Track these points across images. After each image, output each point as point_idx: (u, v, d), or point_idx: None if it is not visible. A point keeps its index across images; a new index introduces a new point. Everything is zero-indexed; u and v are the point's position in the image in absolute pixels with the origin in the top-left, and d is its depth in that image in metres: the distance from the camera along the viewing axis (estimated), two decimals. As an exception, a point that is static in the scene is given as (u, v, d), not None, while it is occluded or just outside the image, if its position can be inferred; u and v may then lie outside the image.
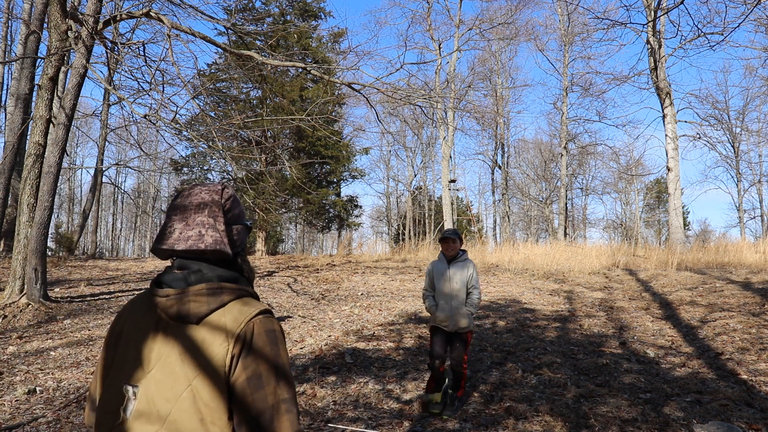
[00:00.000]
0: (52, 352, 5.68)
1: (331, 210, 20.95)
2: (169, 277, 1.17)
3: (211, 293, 1.14)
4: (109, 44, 9.67)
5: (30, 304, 7.37)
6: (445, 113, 20.21)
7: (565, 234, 24.26)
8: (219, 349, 1.09)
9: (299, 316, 7.55)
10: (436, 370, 4.24)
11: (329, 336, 6.47)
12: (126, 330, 1.21)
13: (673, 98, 16.38)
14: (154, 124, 8.44)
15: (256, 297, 1.23)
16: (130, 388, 1.14)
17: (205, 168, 20.68)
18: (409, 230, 29.94)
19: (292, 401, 1.11)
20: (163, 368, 1.12)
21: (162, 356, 1.13)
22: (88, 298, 8.43)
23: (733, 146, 28.97)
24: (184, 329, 1.13)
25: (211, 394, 1.08)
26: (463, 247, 4.56)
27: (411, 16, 22.52)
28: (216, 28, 25.46)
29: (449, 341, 4.27)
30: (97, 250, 21.24)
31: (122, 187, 37.70)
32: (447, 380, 4.25)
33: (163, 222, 1.26)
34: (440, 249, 4.47)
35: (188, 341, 1.12)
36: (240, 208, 1.29)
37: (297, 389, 4.58)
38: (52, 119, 8.20)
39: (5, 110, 17.79)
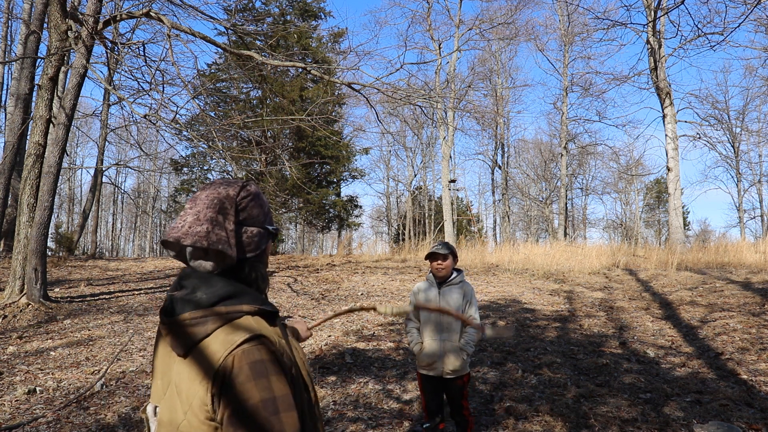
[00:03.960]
0: (52, 352, 5.68)
1: (331, 210, 20.96)
2: (170, 298, 1.13)
3: (194, 323, 1.06)
4: (109, 44, 9.67)
5: (30, 304, 7.37)
6: (445, 113, 20.22)
7: (565, 234, 24.27)
8: (200, 386, 1.03)
9: (299, 316, 7.55)
10: (435, 430, 3.40)
11: (329, 336, 6.47)
12: (154, 351, 1.22)
13: (673, 98, 16.38)
14: (154, 124, 8.44)
15: (259, 313, 1.13)
16: (149, 408, 1.15)
17: (205, 168, 20.69)
18: (409, 230, 29.95)
19: None
20: (171, 394, 1.09)
21: (171, 381, 1.10)
22: (88, 298, 8.43)
23: (733, 146, 28.99)
24: (177, 359, 1.09)
25: (201, 429, 1.04)
26: (458, 266, 3.52)
27: (411, 16, 22.53)
28: (216, 28, 25.47)
29: (444, 388, 3.36)
30: (97, 250, 21.25)
31: (122, 187, 37.73)
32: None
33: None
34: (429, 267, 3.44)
35: (180, 373, 1.08)
36: (261, 209, 1.21)
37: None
38: (52, 119, 8.21)
39: (5, 110, 17.79)
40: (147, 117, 8.02)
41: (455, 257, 3.39)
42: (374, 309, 2.01)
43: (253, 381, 1.01)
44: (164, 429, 1.09)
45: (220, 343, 1.04)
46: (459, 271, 3.44)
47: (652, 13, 15.62)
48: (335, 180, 21.46)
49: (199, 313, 1.07)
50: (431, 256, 3.35)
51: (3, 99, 18.67)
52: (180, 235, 1.12)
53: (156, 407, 1.14)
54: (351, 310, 1.99)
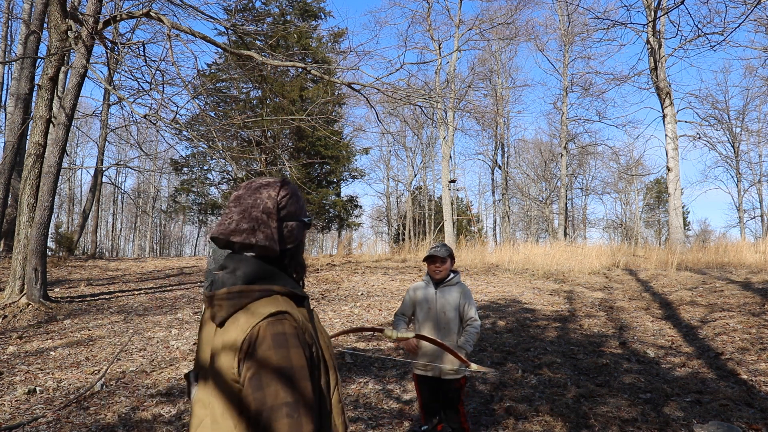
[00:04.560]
0: (52, 352, 5.68)
1: (331, 210, 20.96)
2: (214, 276, 1.30)
3: (229, 297, 1.21)
4: (109, 44, 9.67)
5: (30, 304, 7.37)
6: (445, 113, 20.22)
7: (565, 234, 24.27)
8: (230, 351, 1.16)
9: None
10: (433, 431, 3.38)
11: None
12: (200, 324, 1.36)
13: (673, 98, 16.38)
14: (154, 124, 8.44)
15: (289, 294, 1.26)
16: (192, 375, 1.30)
17: (205, 168, 20.69)
18: (409, 230, 29.95)
19: (296, 405, 1.10)
20: (212, 360, 1.23)
21: (210, 351, 1.24)
22: (88, 298, 8.43)
23: (733, 146, 28.99)
24: (216, 329, 1.24)
25: (228, 392, 1.16)
26: (455, 267, 3.49)
27: (411, 16, 22.52)
28: (216, 28, 25.46)
29: (441, 389, 3.31)
30: (97, 250, 21.24)
31: (122, 187, 37.72)
32: None
33: (224, 210, 1.37)
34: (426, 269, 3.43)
35: (215, 342, 1.22)
36: (297, 205, 1.35)
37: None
38: (52, 119, 8.21)
39: (5, 110, 17.79)
40: (147, 117, 8.02)
41: (453, 259, 3.38)
42: (381, 331, 2.26)
43: (273, 350, 1.13)
44: (202, 391, 1.24)
45: (249, 316, 1.18)
46: (455, 272, 3.42)
47: (652, 13, 15.62)
48: (335, 180, 21.47)
49: (236, 289, 1.22)
50: (430, 259, 3.32)
51: (3, 99, 18.67)
52: (229, 233, 1.27)
53: (197, 373, 1.28)
54: (362, 329, 2.23)
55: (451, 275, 3.38)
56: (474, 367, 2.76)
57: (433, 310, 3.29)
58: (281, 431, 1.07)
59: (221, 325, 1.21)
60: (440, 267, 3.30)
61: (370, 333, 6.65)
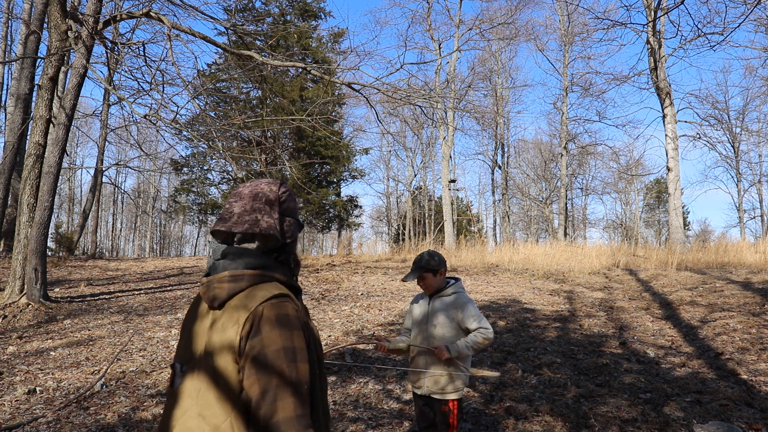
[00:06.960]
0: (52, 352, 5.68)
1: (331, 210, 20.96)
2: (213, 263, 1.32)
3: (231, 280, 1.24)
4: (109, 44, 9.68)
5: (30, 304, 7.37)
6: (445, 113, 20.22)
7: (565, 234, 24.26)
8: (231, 332, 1.17)
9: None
10: None
11: (329, 336, 6.46)
12: (186, 315, 1.37)
13: (673, 98, 16.38)
14: (154, 124, 8.44)
15: (287, 284, 1.30)
16: (178, 366, 1.29)
17: (205, 168, 20.69)
18: (409, 230, 29.94)
19: (298, 384, 1.13)
20: (206, 348, 1.22)
21: (205, 337, 1.24)
22: (88, 298, 8.43)
23: (733, 146, 28.99)
24: (213, 313, 1.25)
25: (228, 373, 1.16)
26: (451, 275, 2.91)
27: (411, 16, 22.56)
28: (216, 28, 25.46)
29: (433, 411, 2.93)
30: (97, 250, 21.23)
31: (122, 187, 37.72)
32: None
33: (224, 207, 1.37)
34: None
35: (214, 324, 1.23)
36: (294, 204, 1.41)
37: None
38: (52, 119, 8.21)
39: (5, 110, 17.79)
40: (147, 117, 8.03)
41: (435, 271, 2.89)
42: (387, 341, 2.55)
43: (278, 330, 1.15)
44: (190, 383, 1.22)
45: (252, 297, 1.20)
46: (455, 279, 3.00)
47: (652, 13, 15.62)
48: (335, 180, 21.47)
49: (239, 272, 1.24)
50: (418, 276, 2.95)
51: (3, 99, 18.67)
52: (231, 225, 1.30)
53: (182, 365, 1.28)
54: (368, 341, 2.42)
55: (450, 282, 2.95)
56: (472, 371, 2.70)
57: (423, 325, 2.93)
58: (287, 410, 1.09)
59: (220, 306, 1.22)
60: (424, 284, 2.93)
61: (370, 334, 6.66)
